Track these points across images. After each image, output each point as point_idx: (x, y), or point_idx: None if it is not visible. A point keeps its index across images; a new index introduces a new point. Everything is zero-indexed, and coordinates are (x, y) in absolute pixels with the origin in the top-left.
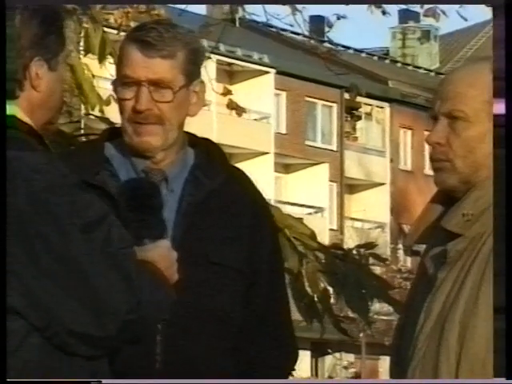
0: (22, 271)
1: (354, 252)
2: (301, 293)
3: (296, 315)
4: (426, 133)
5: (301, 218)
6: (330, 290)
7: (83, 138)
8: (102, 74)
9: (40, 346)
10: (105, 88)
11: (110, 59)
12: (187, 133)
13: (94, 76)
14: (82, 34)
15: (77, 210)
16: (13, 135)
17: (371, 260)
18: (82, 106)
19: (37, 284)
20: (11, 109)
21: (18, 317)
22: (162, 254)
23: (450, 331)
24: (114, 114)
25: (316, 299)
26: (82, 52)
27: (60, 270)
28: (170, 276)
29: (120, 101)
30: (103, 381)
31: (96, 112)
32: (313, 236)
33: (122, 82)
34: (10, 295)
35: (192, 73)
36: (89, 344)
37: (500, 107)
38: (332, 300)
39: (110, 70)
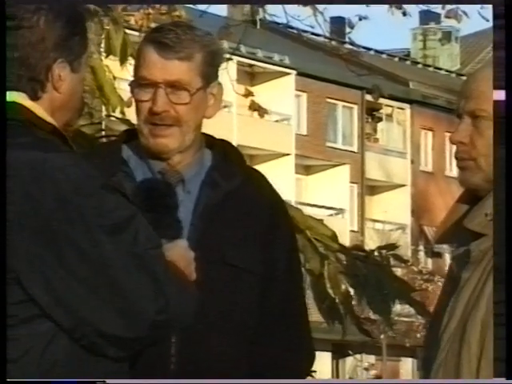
0: (50, 273)
1: (376, 253)
2: (322, 294)
3: (317, 317)
4: (447, 134)
5: (321, 220)
6: (352, 291)
7: (104, 140)
8: (122, 75)
9: (68, 347)
10: (126, 90)
11: (131, 61)
12: (204, 134)
13: (115, 78)
14: (104, 36)
15: (104, 211)
16: (36, 135)
17: (392, 261)
18: (103, 108)
19: (65, 285)
20: (35, 107)
21: (45, 319)
22: (180, 253)
23: (472, 332)
24: (134, 115)
25: (337, 301)
26: (104, 54)
27: (88, 271)
28: (189, 275)
29: (137, 102)
30: (107, 381)
31: (117, 114)
32: (334, 237)
33: (139, 83)
34: (38, 297)
35: (209, 75)
36: (117, 345)
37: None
38: (353, 301)
39: (130, 71)
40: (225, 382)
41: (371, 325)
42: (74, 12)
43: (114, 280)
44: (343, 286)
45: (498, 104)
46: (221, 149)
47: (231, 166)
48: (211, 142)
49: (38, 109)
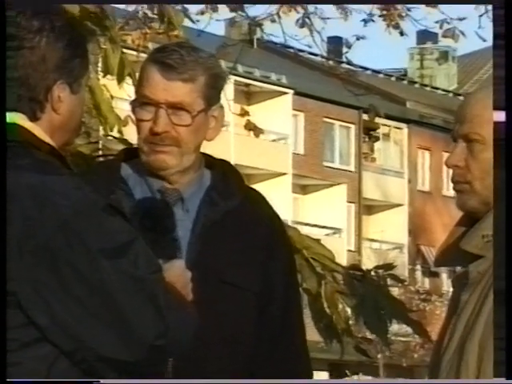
0: (50, 296)
1: (373, 273)
2: (320, 313)
3: (314, 336)
4: (445, 154)
5: (318, 239)
6: (349, 311)
7: (101, 159)
8: (119, 94)
9: (68, 370)
10: (122, 109)
11: (128, 80)
12: (204, 154)
13: (112, 97)
14: (101, 55)
15: (104, 234)
16: (35, 157)
17: (389, 281)
18: (101, 127)
19: (65, 309)
20: (34, 128)
21: (46, 343)
22: (177, 274)
23: (470, 353)
24: (131, 135)
25: (335, 320)
26: (101, 73)
27: (88, 295)
28: (186, 296)
29: (138, 121)
30: (101, 381)
31: (115, 133)
32: (331, 257)
33: (140, 102)
34: (38, 320)
35: (212, 97)
36: (117, 369)
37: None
38: (351, 321)
39: (127, 90)
40: (225, 382)
41: (368, 344)
42: (76, 33)
43: (114, 304)
44: (340, 306)
45: (497, 126)
46: (220, 169)
47: (230, 186)
48: (210, 162)
49: (37, 130)
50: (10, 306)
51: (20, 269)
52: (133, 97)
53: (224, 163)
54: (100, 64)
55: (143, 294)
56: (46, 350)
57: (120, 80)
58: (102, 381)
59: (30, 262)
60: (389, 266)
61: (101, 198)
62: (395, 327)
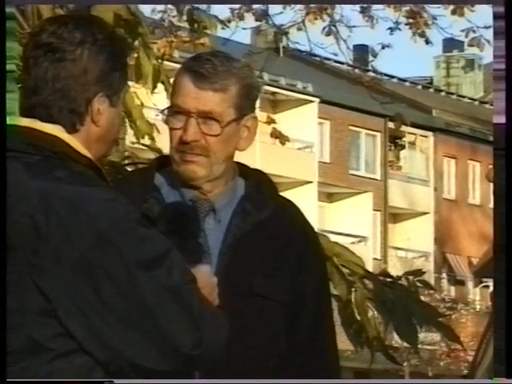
0: (87, 307)
1: (402, 279)
2: (350, 319)
3: (340, 345)
4: (470, 162)
5: (347, 247)
6: (379, 317)
7: (134, 168)
8: (146, 103)
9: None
10: (149, 117)
11: (159, 89)
12: (238, 163)
13: (143, 104)
14: (133, 62)
15: (140, 246)
16: (72, 168)
17: (419, 288)
18: (130, 134)
19: (101, 320)
20: (71, 140)
21: (82, 353)
22: (203, 279)
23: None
24: (162, 142)
25: (365, 326)
26: (133, 81)
27: (124, 306)
28: (213, 302)
29: (170, 130)
30: (115, 381)
31: (146, 140)
32: (361, 263)
33: (172, 110)
34: (75, 332)
35: (244, 107)
36: (151, 378)
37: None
38: (381, 328)
39: (153, 99)
40: (225, 381)
41: (394, 352)
42: (117, 47)
43: (150, 315)
44: (370, 312)
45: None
46: (254, 178)
47: (263, 196)
48: (245, 172)
49: (74, 141)
50: (46, 315)
51: (57, 280)
52: (158, 105)
53: (258, 173)
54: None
55: (178, 305)
56: (82, 360)
57: (153, 88)
58: (115, 381)
59: (67, 273)
60: (418, 273)
61: (135, 209)
62: (421, 335)
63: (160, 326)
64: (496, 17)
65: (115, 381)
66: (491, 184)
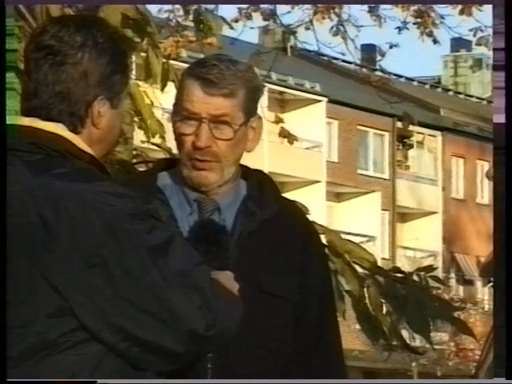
0: (102, 301)
1: (414, 275)
2: (364, 314)
3: (348, 344)
4: (479, 161)
5: (359, 243)
6: (392, 312)
7: (139, 165)
8: (154, 102)
9: (113, 366)
10: (160, 116)
11: (167, 88)
12: (239, 165)
13: (152, 103)
14: (142, 62)
15: (149, 233)
16: (76, 165)
17: (431, 283)
18: (140, 133)
19: (116, 308)
20: (74, 138)
21: (95, 342)
22: (228, 282)
23: None
24: (172, 141)
25: (381, 321)
26: (142, 79)
27: (138, 292)
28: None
29: (180, 135)
30: (99, 381)
31: (156, 139)
32: (373, 260)
33: (182, 116)
34: (92, 326)
35: (251, 109)
36: (166, 359)
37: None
38: (395, 322)
39: (159, 98)
40: (225, 381)
41: (402, 352)
42: (117, 49)
43: (163, 298)
44: (384, 308)
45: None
46: (255, 178)
47: (266, 195)
48: (246, 172)
49: (76, 139)
50: (63, 312)
51: (70, 274)
52: (167, 104)
53: (260, 173)
54: (134, 70)
55: (190, 287)
56: (95, 349)
57: (163, 86)
58: (99, 381)
59: (78, 266)
60: (429, 269)
61: (141, 202)
62: (431, 334)
63: (173, 309)
64: (496, 17)
65: (99, 381)
66: (491, 182)
